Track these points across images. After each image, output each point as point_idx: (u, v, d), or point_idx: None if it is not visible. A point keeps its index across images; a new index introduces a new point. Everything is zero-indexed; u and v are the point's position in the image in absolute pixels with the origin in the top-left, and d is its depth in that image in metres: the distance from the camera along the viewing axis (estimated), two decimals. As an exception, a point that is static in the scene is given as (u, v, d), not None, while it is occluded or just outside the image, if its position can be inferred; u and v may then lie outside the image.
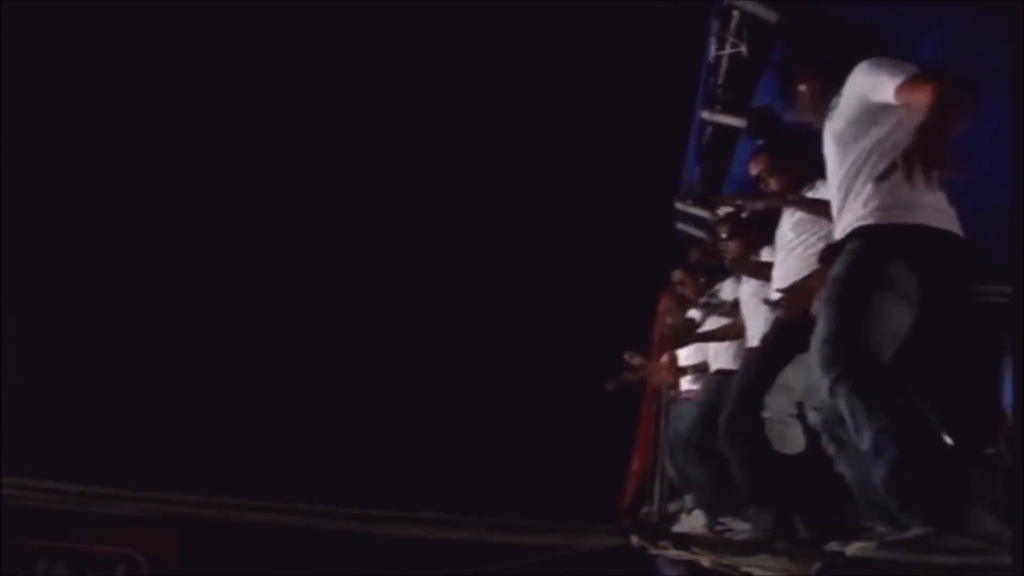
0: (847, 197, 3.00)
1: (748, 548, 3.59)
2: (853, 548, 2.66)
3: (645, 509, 8.05)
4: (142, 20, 9.41)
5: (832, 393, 2.78)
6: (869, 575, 2.60)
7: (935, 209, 2.89)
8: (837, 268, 2.93)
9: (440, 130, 10.96)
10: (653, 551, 4.04)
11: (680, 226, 8.80)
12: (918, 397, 2.74)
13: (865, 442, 2.71)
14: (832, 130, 3.09)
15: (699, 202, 8.16)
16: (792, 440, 4.21)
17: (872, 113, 2.95)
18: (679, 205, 8.52)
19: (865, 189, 2.93)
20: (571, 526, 5.29)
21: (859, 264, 2.88)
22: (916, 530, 2.63)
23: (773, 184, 4.16)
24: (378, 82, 10.70)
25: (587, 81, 10.22)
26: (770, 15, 4.82)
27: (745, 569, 3.07)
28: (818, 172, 4.08)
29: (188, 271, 10.61)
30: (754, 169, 4.24)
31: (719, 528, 4.97)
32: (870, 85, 2.93)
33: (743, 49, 5.54)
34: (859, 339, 2.78)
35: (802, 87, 3.28)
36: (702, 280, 6.37)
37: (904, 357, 2.84)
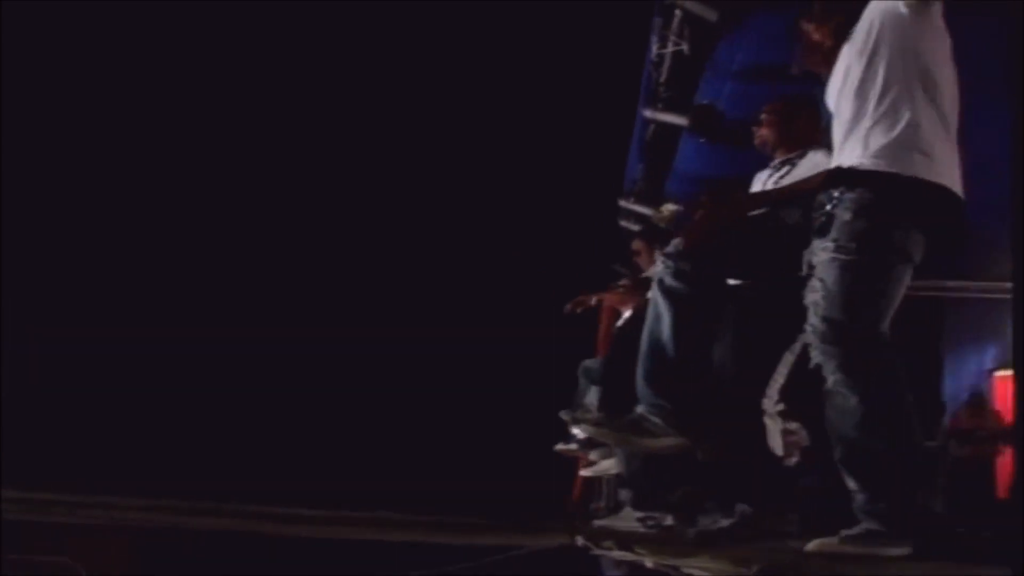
0: (854, 119, 2.80)
1: (691, 548, 3.55)
2: (813, 544, 2.64)
3: (594, 504, 8.04)
4: (140, 20, 9.24)
5: (828, 367, 2.66)
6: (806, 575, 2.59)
7: (950, 164, 2.72)
8: (848, 221, 2.67)
9: (382, 130, 10.89)
10: (597, 551, 4.01)
11: (623, 223, 8.83)
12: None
13: (851, 422, 2.62)
14: (846, 51, 2.90)
15: (642, 199, 8.20)
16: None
17: (885, 32, 2.79)
18: (622, 202, 8.55)
19: (874, 117, 2.73)
20: (514, 526, 5.24)
21: (880, 229, 2.65)
22: (870, 524, 2.62)
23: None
24: (322, 82, 10.61)
25: (530, 79, 10.21)
26: (711, 14, 4.82)
27: (687, 570, 3.05)
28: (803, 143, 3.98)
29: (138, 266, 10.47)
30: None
31: (650, 523, 4.95)
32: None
33: (685, 47, 5.53)
34: (872, 320, 2.65)
35: (816, 35, 3.07)
36: (657, 251, 6.35)
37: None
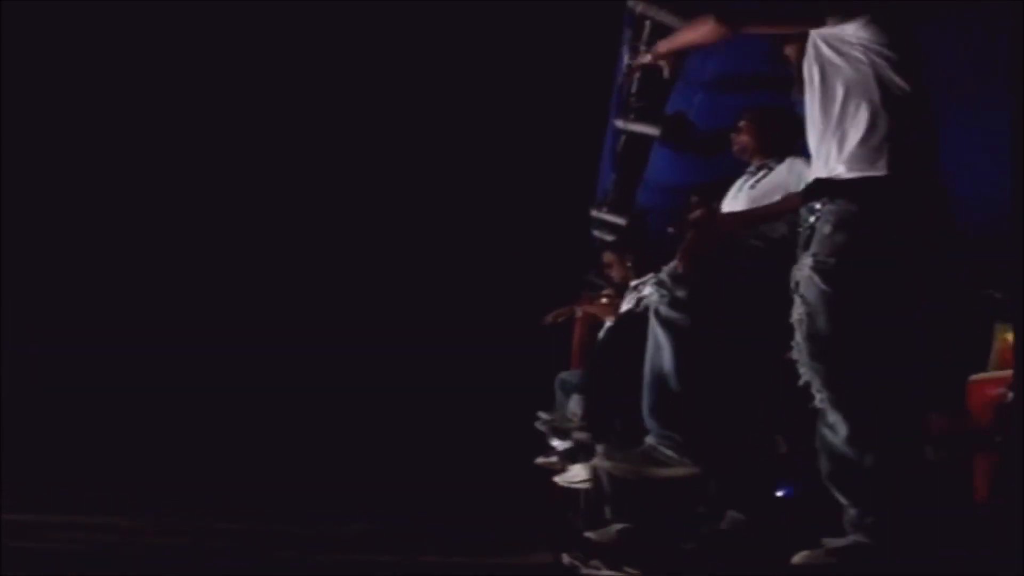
0: (822, 133, 2.82)
1: (679, 565, 3.54)
2: (799, 556, 2.63)
3: (572, 514, 8.00)
4: (139, 20, 9.17)
5: (815, 385, 2.63)
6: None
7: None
8: (828, 234, 2.66)
9: (353, 138, 10.88)
10: (584, 571, 3.98)
11: (596, 233, 8.83)
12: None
13: (841, 437, 2.59)
14: (805, 65, 2.93)
15: (614, 209, 8.20)
16: None
17: (823, 48, 2.84)
18: (594, 212, 8.54)
19: (841, 128, 2.74)
20: (501, 544, 5.20)
21: (860, 241, 2.64)
22: (858, 537, 2.60)
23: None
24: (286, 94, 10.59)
25: (500, 90, 10.21)
26: (683, 24, 4.80)
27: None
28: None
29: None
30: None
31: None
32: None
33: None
34: (858, 335, 2.62)
35: (788, 51, 3.12)
36: (628, 264, 6.38)
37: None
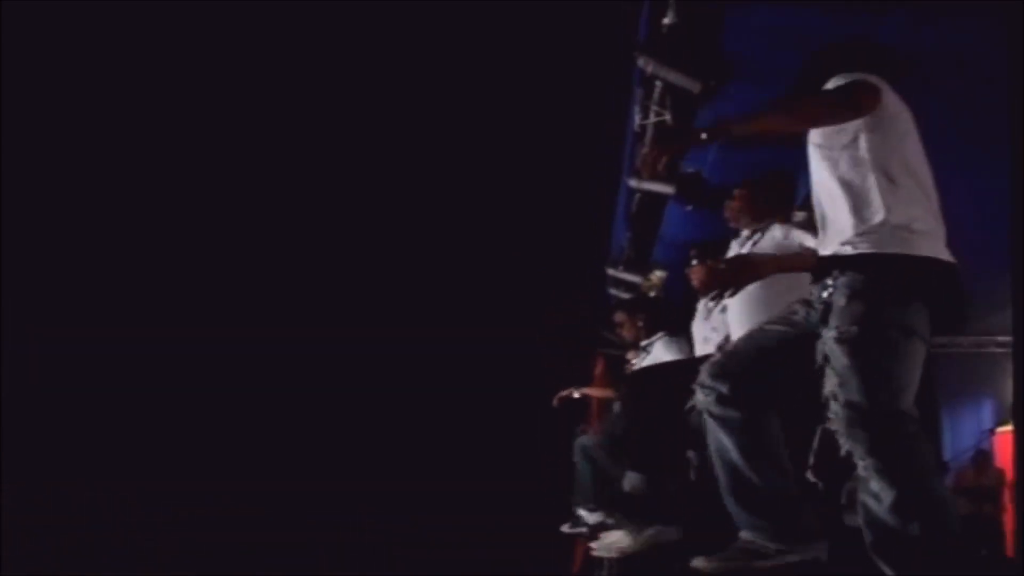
0: (830, 211, 2.87)
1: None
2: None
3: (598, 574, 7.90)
4: (137, 20, 9.27)
5: (858, 452, 2.60)
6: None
7: (934, 234, 2.76)
8: (844, 305, 2.69)
9: (368, 203, 10.93)
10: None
11: (612, 291, 8.83)
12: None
13: (885, 505, 2.55)
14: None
15: (630, 267, 8.21)
16: None
17: (823, 139, 2.90)
18: (610, 270, 8.55)
19: (847, 207, 2.79)
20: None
21: (877, 306, 2.66)
22: None
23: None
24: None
25: (513, 151, 10.27)
26: (693, 85, 4.83)
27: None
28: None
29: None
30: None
31: None
32: None
33: (667, 117, 5.54)
34: (890, 398, 2.62)
35: None
36: (639, 324, 6.37)
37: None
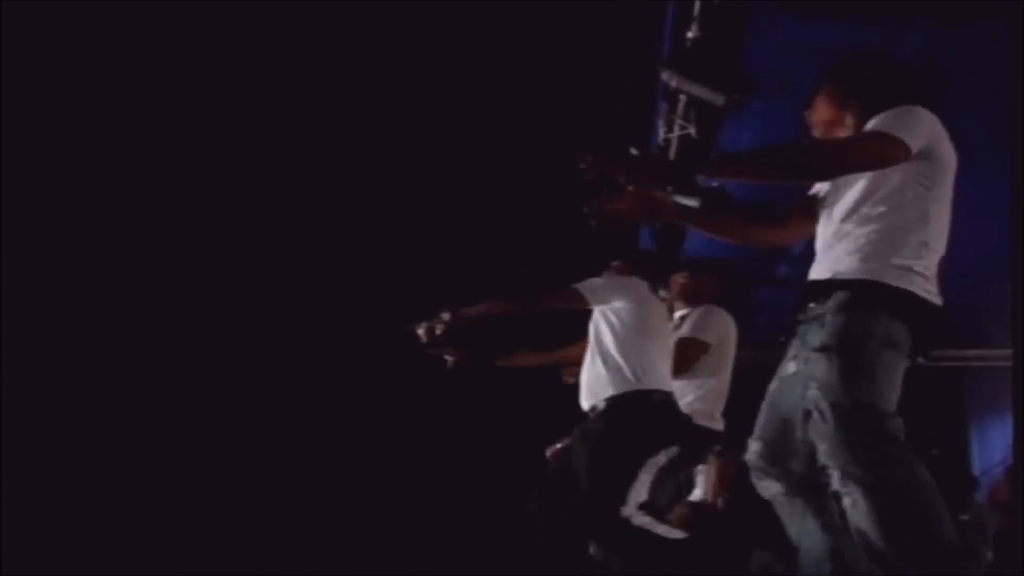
0: (837, 237, 2.82)
1: None
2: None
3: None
4: (136, 19, 9.33)
5: (836, 461, 2.54)
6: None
7: (920, 276, 2.72)
8: (829, 320, 2.68)
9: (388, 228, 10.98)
10: None
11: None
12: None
13: (860, 511, 2.48)
14: None
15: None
16: None
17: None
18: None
19: (858, 238, 2.75)
20: None
21: (859, 317, 2.65)
22: None
23: None
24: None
25: (538, 162, 10.30)
26: (717, 98, 4.86)
27: None
28: None
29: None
30: None
31: None
32: None
33: (692, 131, 5.56)
34: (871, 403, 2.56)
35: (822, 108, 3.08)
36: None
37: None
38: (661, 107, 5.71)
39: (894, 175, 2.73)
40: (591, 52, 7.96)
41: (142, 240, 10.12)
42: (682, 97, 5.35)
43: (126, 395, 9.69)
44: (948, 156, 2.79)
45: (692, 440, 4.42)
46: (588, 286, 4.30)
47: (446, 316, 4.20)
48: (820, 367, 2.62)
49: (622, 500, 4.03)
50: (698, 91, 4.98)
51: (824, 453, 2.57)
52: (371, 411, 10.03)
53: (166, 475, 8.80)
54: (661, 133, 5.85)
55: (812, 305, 2.77)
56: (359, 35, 8.85)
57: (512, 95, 9.44)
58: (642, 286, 4.37)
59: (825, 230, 2.89)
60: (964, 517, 6.57)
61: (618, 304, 4.25)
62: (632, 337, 4.18)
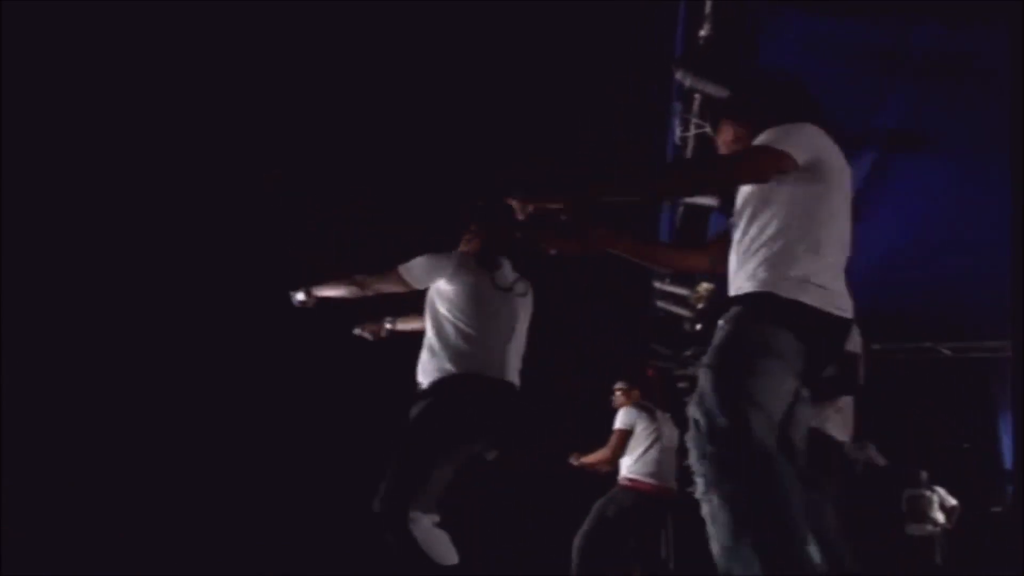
0: (740, 259, 2.89)
1: None
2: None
3: None
4: (134, 19, 9.38)
5: (700, 469, 2.57)
6: None
7: (817, 287, 2.75)
8: (718, 332, 2.76)
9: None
10: None
11: (659, 303, 8.82)
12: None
13: (715, 510, 2.49)
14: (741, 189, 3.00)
15: (677, 280, 8.20)
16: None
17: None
18: (657, 283, 8.55)
19: (755, 256, 2.81)
20: None
21: (741, 327, 2.72)
22: None
23: None
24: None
25: (555, 162, 10.31)
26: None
27: None
28: None
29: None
30: None
31: None
32: None
33: (707, 129, 5.54)
34: (745, 417, 2.56)
35: (725, 128, 3.17)
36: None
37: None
38: (676, 107, 5.70)
39: (784, 192, 2.80)
40: (606, 53, 7.97)
41: (141, 241, 10.17)
42: (696, 96, 5.33)
43: (126, 395, 9.75)
44: (838, 167, 2.85)
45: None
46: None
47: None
48: (703, 379, 2.67)
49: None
50: (711, 89, 4.97)
51: (692, 460, 2.60)
52: (371, 411, 10.01)
53: (166, 475, 8.85)
54: (677, 132, 5.84)
55: (720, 323, 2.83)
56: (360, 36, 8.90)
57: (512, 95, 9.47)
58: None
59: (734, 254, 2.94)
60: (996, 509, 6.51)
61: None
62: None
